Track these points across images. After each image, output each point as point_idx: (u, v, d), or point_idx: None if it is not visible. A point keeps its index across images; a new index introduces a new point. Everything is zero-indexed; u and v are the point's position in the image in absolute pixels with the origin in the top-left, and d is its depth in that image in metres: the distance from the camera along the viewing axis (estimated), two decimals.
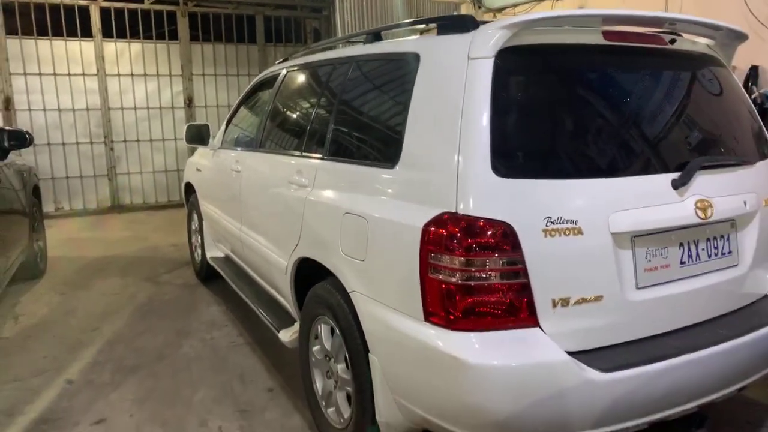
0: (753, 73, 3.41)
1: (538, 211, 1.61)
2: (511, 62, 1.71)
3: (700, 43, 2.21)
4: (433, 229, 1.65)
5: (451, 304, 1.62)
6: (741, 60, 3.50)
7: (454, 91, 1.72)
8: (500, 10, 5.62)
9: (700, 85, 2.12)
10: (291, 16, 9.00)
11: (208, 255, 4.25)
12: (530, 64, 1.78)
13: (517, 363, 1.56)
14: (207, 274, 4.44)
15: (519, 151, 1.71)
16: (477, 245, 1.59)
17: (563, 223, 1.61)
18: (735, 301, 2.00)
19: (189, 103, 8.38)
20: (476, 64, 1.70)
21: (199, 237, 4.47)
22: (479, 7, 5.86)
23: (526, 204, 1.61)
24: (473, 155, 1.63)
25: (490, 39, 1.70)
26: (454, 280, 1.61)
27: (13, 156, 4.30)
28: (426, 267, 1.66)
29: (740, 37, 2.19)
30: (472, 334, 1.60)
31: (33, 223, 4.62)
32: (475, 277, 1.60)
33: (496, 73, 1.68)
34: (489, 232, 1.59)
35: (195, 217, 4.58)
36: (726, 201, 1.89)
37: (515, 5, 5.40)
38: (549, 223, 1.60)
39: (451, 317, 1.62)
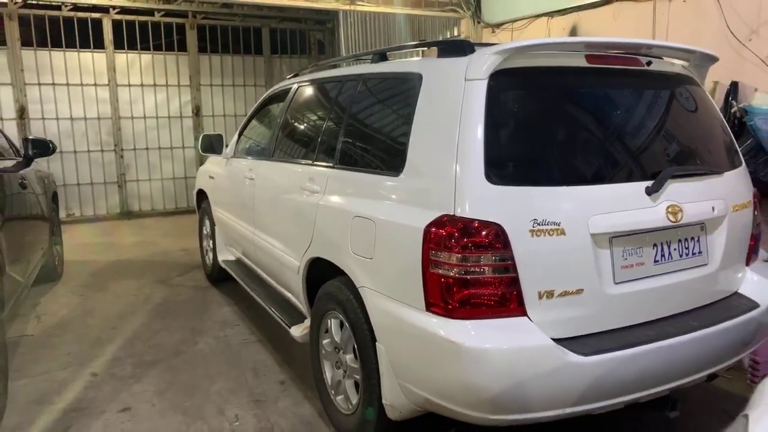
0: (733, 88, 3.63)
1: (525, 214, 1.83)
2: (503, 83, 1.94)
3: (677, 64, 2.44)
4: (433, 229, 1.87)
5: (449, 296, 1.84)
6: (723, 76, 3.73)
7: (453, 108, 1.95)
8: (498, 25, 5.87)
9: (674, 102, 2.35)
10: (296, 29, 9.28)
11: (220, 258, 4.47)
12: (520, 85, 2.01)
13: (506, 346, 1.78)
14: (218, 276, 4.65)
15: (509, 161, 1.94)
16: (472, 244, 1.82)
17: (548, 224, 1.83)
18: (706, 296, 2.22)
19: (197, 112, 8.63)
20: (472, 84, 1.93)
21: (211, 241, 4.69)
22: (478, 22, 6.11)
23: (515, 208, 1.84)
24: (469, 165, 1.86)
25: (484, 63, 1.93)
26: (452, 274, 1.83)
27: (33, 163, 4.53)
28: (427, 263, 1.88)
29: (712, 59, 2.42)
30: (468, 322, 1.82)
31: (52, 227, 4.85)
32: (471, 271, 1.82)
33: (490, 92, 1.91)
34: (483, 233, 1.81)
35: (207, 222, 4.81)
36: (695, 206, 2.11)
37: (513, 21, 5.64)
38: (535, 225, 1.82)
39: (450, 307, 1.84)
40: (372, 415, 2.26)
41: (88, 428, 2.67)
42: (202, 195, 4.84)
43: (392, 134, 2.33)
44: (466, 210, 1.84)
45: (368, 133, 2.56)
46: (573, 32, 4.95)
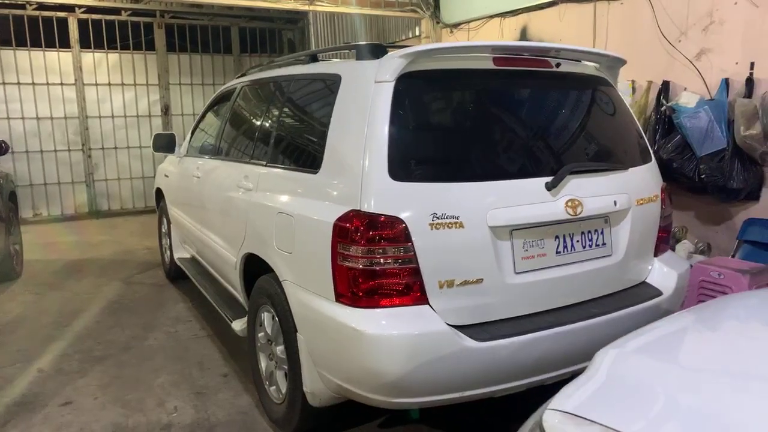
0: (664, 87, 3.78)
1: (425, 209, 1.93)
2: (409, 85, 2.05)
3: (589, 65, 2.56)
4: (341, 224, 1.98)
5: (355, 287, 1.94)
6: (656, 76, 3.89)
7: (363, 108, 2.05)
8: (456, 25, 5.99)
9: (582, 102, 2.47)
10: (266, 28, 9.32)
11: (176, 256, 4.54)
12: (425, 87, 2.12)
13: (405, 332, 1.88)
14: (175, 274, 4.71)
15: (412, 159, 2.04)
16: (376, 237, 1.92)
17: (446, 218, 1.94)
18: (610, 285, 2.35)
19: (166, 111, 8.64)
20: (380, 86, 2.03)
21: (168, 239, 4.75)
22: (438, 23, 6.23)
23: (416, 202, 1.94)
24: (374, 163, 1.96)
25: (391, 66, 2.04)
26: (358, 266, 1.93)
27: None
28: (336, 256, 1.98)
29: (621, 61, 2.55)
30: (371, 311, 1.93)
31: (9, 227, 4.87)
32: (375, 263, 1.92)
33: (396, 94, 2.01)
34: (386, 227, 1.92)
35: (165, 220, 4.86)
36: (596, 200, 2.23)
37: (469, 21, 5.76)
38: (434, 218, 1.93)
39: (356, 297, 1.94)
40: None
41: (28, 421, 2.74)
42: (160, 193, 4.90)
43: (313, 133, 2.43)
44: (371, 205, 1.94)
45: (294, 132, 2.65)
46: (523, 32, 5.09)
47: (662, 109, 3.67)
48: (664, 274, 2.50)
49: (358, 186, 1.98)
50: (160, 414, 2.78)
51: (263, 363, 2.74)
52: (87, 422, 2.72)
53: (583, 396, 1.11)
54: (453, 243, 1.96)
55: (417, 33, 6.60)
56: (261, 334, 2.72)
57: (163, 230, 4.96)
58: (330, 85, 2.34)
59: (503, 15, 5.28)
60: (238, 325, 2.98)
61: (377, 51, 2.17)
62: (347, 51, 2.76)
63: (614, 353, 1.23)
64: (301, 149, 2.51)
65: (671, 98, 3.73)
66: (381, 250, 1.92)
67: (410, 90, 2.05)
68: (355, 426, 2.61)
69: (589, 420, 1.00)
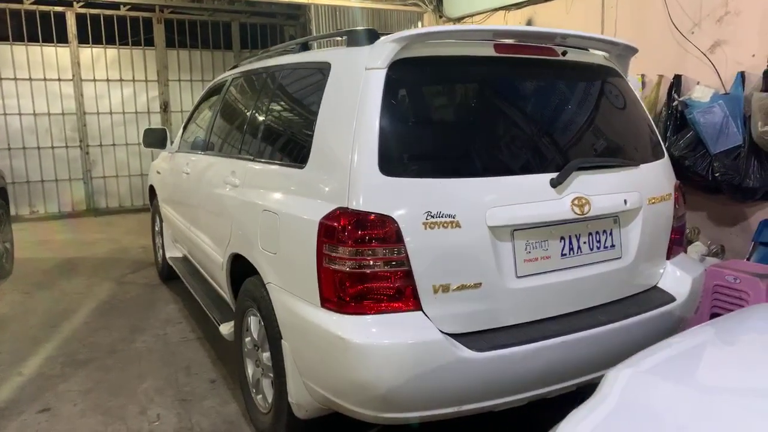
0: (676, 81, 3.60)
1: (419, 207, 1.77)
2: (403, 73, 1.89)
3: (597, 54, 2.39)
4: (327, 222, 1.82)
5: (342, 291, 1.78)
6: (667, 69, 3.71)
7: (352, 98, 1.90)
8: (459, 19, 5.83)
9: (590, 93, 2.30)
10: (267, 23, 9.18)
11: (168, 255, 4.40)
12: (420, 75, 1.96)
13: (395, 342, 1.72)
14: (168, 274, 4.57)
15: (404, 152, 1.88)
16: (365, 237, 1.76)
17: (442, 217, 1.78)
18: (620, 290, 2.18)
19: (165, 108, 8.51)
20: (371, 74, 1.87)
21: (161, 238, 4.61)
22: (441, 17, 6.07)
23: (409, 200, 1.78)
24: (364, 156, 1.80)
25: (383, 52, 1.87)
26: (344, 269, 1.78)
27: None
28: (321, 258, 1.83)
29: (632, 50, 2.38)
30: (359, 318, 1.77)
31: (0, 224, 4.74)
32: (363, 266, 1.77)
33: (388, 82, 1.85)
34: (376, 226, 1.76)
35: (158, 218, 4.72)
36: (605, 199, 2.06)
37: (472, 15, 5.60)
38: (429, 217, 1.77)
39: (342, 303, 1.79)
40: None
41: (3, 430, 2.60)
42: (153, 191, 4.76)
43: (301, 125, 2.28)
44: (360, 203, 1.78)
45: (282, 124, 2.50)
46: (529, 25, 4.92)
47: (674, 104, 3.49)
48: (677, 278, 2.33)
49: (346, 181, 1.82)
50: (142, 422, 2.64)
51: (250, 369, 2.59)
52: (64, 431, 2.58)
53: (596, 422, 0.96)
54: (449, 244, 1.80)
55: (419, 27, 6.43)
56: (248, 339, 2.57)
57: (156, 229, 4.83)
58: (319, 73, 2.18)
59: (508, 8, 5.11)
60: (226, 329, 2.83)
61: (370, 36, 2.01)
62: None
63: (628, 374, 1.07)
64: (289, 142, 2.36)
65: (683, 93, 3.56)
66: (370, 252, 1.76)
67: (404, 78, 1.90)
68: None
69: None
